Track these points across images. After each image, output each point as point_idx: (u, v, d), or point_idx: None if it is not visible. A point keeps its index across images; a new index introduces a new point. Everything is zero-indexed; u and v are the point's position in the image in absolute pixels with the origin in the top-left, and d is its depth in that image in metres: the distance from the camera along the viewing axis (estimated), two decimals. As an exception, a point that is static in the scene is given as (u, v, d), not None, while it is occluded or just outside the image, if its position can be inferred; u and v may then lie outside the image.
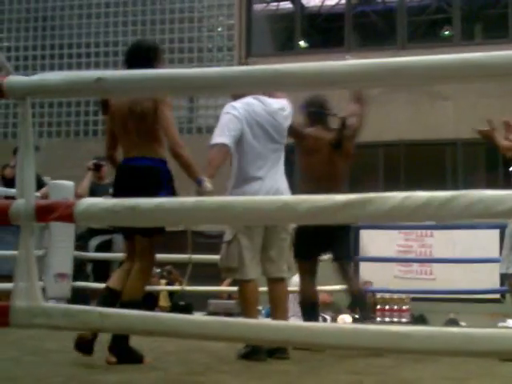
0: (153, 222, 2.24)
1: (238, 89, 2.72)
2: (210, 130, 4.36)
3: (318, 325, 2.51)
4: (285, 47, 13.68)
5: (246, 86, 2.51)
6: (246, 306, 3.89)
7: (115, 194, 3.48)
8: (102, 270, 7.57)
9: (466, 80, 2.55)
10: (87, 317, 2.14)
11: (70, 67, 13.05)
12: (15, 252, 6.55)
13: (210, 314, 7.92)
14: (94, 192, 7.31)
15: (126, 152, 3.62)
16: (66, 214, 2.08)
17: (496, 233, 7.57)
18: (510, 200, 1.86)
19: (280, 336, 1.95)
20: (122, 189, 3.47)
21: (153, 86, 2.17)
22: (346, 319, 7.31)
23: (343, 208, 1.93)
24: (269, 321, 3.29)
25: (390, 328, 1.94)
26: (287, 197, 2.54)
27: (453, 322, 7.66)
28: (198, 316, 3.52)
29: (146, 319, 2.10)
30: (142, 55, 3.53)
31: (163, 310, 8.78)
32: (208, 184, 3.50)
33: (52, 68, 13.09)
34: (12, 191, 6.66)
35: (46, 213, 2.12)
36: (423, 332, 1.84)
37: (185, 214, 2.06)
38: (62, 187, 6.25)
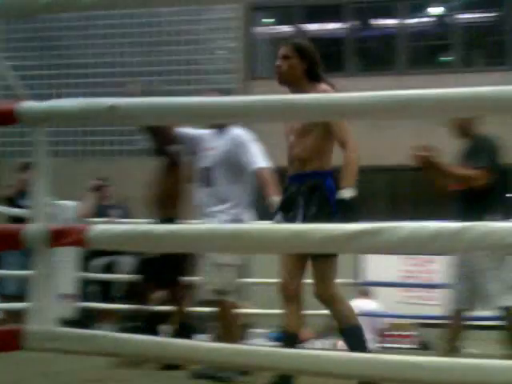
0: (164, 248, 2.26)
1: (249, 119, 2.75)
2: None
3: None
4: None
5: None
6: (231, 328, 4.13)
7: None
8: (105, 290, 7.61)
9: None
10: (102, 342, 2.15)
11: (76, 87, 13.13)
12: (18, 272, 6.57)
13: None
14: (97, 213, 7.36)
15: None
16: (79, 238, 2.10)
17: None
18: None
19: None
20: None
21: (162, 113, 2.21)
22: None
23: (354, 237, 1.95)
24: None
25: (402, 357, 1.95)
26: (301, 225, 2.56)
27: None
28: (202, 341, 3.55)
29: (159, 345, 2.11)
30: None
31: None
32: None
33: (58, 87, 13.16)
34: (15, 211, 6.70)
35: (59, 237, 2.14)
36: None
37: (197, 241, 2.08)
38: (65, 208, 6.29)
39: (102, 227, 2.14)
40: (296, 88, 3.52)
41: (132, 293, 4.17)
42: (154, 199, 4.67)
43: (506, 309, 4.23)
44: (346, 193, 3.36)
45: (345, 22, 13.07)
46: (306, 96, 2.48)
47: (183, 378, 3.87)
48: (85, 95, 13.12)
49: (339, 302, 3.44)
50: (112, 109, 2.18)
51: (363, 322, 3.64)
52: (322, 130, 3.47)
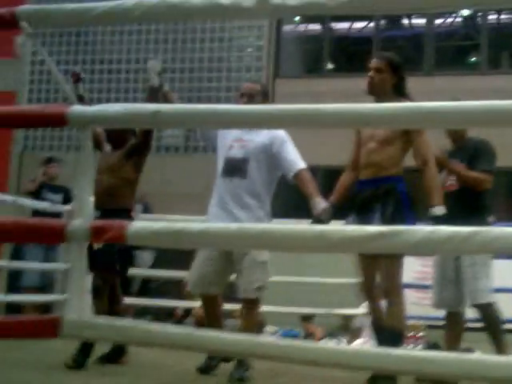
0: (197, 245, 2.42)
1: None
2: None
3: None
4: (312, 69, 13.88)
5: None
6: (256, 326, 4.26)
7: None
8: (123, 285, 7.80)
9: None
10: (132, 331, 2.31)
11: (100, 82, 13.35)
12: (43, 264, 6.77)
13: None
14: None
15: None
16: (118, 235, 2.26)
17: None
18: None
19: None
20: None
21: (203, 119, 2.36)
22: (362, 343, 7.36)
23: (374, 239, 2.09)
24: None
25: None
26: (323, 226, 2.70)
27: (468, 351, 7.63)
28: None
29: (186, 335, 2.27)
30: None
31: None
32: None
33: (83, 82, 13.36)
34: (38, 204, 6.90)
35: (99, 233, 2.30)
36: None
37: (228, 239, 2.23)
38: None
39: (140, 224, 2.30)
40: (382, 100, 3.70)
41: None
42: (106, 190, 4.46)
43: (488, 305, 4.33)
44: (438, 210, 3.64)
45: (373, 21, 13.12)
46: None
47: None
48: (116, 91, 13.38)
49: (400, 302, 3.67)
50: (155, 114, 2.33)
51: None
52: (403, 142, 3.76)
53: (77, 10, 2.49)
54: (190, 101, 12.90)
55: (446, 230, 2.06)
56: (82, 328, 2.38)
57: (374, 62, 3.89)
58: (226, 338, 2.32)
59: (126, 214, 4.36)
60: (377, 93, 3.83)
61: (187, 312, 8.25)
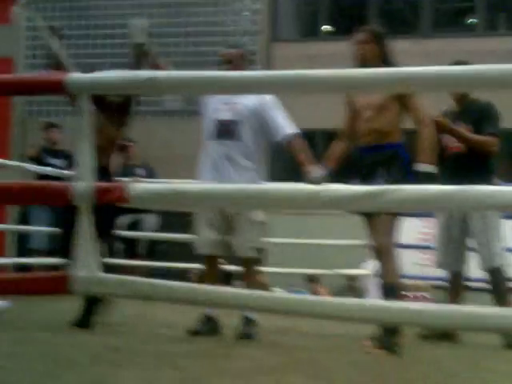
0: (197, 206, 2.54)
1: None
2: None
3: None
4: (309, 32, 13.87)
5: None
6: (259, 286, 4.32)
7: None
8: (130, 247, 7.96)
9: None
10: (139, 286, 2.46)
11: (94, 47, 13.38)
12: (51, 229, 6.85)
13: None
14: (121, 172, 7.65)
15: None
16: (121, 196, 2.40)
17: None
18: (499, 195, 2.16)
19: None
20: None
21: (193, 84, 2.48)
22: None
23: (365, 198, 2.23)
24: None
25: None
26: (313, 186, 2.82)
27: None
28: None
29: (189, 290, 2.42)
30: None
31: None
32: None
33: (78, 48, 13.41)
34: (42, 169, 7.01)
35: (103, 194, 2.44)
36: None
37: (227, 199, 2.37)
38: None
39: (142, 186, 2.43)
40: None
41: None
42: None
43: (499, 269, 4.44)
44: (427, 168, 3.72)
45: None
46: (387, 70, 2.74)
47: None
48: (111, 56, 13.37)
49: (392, 258, 3.78)
50: (149, 80, 2.46)
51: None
52: (398, 106, 3.86)
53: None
54: (185, 66, 12.99)
55: (433, 188, 2.19)
56: (91, 284, 2.53)
57: (358, 36, 3.99)
58: (229, 291, 2.48)
59: (108, 171, 4.45)
60: (366, 64, 3.93)
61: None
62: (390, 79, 2.30)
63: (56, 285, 2.55)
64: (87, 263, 2.52)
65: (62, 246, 4.39)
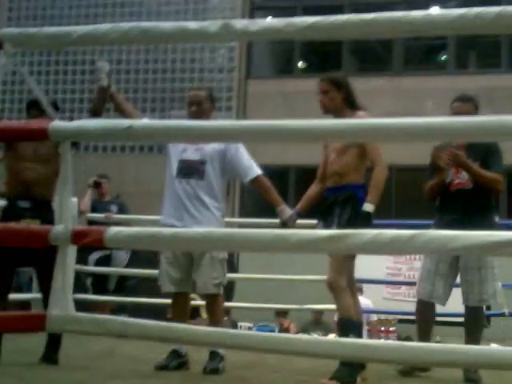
0: (170, 248, 2.66)
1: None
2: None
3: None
4: (284, 69, 14.12)
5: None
6: (221, 319, 4.44)
7: None
8: (100, 283, 8.00)
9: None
10: (111, 325, 2.57)
11: (73, 83, 13.52)
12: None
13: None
14: (95, 209, 7.71)
15: None
16: (97, 239, 2.51)
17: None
18: (463, 239, 2.29)
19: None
20: None
21: (172, 133, 2.62)
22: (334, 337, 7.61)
23: (327, 241, 2.37)
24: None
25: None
26: (280, 230, 2.97)
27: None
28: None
29: (161, 328, 2.53)
30: None
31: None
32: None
33: (56, 83, 13.55)
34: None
35: (80, 237, 2.55)
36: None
37: (197, 242, 2.50)
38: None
39: (117, 229, 2.55)
40: (339, 115, 4.02)
41: None
42: (39, 181, 4.43)
43: (481, 308, 4.48)
44: (367, 207, 3.90)
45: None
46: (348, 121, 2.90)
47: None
48: (81, 92, 13.45)
49: (343, 294, 3.91)
50: (127, 129, 2.59)
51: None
52: (357, 150, 4.05)
53: (57, 33, 2.75)
54: (163, 101, 13.18)
55: (389, 232, 2.33)
56: (65, 322, 2.63)
57: (319, 86, 4.17)
58: (199, 330, 2.60)
59: (50, 205, 4.46)
60: (330, 111, 4.11)
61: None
62: (352, 130, 2.46)
63: (31, 323, 2.65)
64: (62, 302, 2.62)
65: None
